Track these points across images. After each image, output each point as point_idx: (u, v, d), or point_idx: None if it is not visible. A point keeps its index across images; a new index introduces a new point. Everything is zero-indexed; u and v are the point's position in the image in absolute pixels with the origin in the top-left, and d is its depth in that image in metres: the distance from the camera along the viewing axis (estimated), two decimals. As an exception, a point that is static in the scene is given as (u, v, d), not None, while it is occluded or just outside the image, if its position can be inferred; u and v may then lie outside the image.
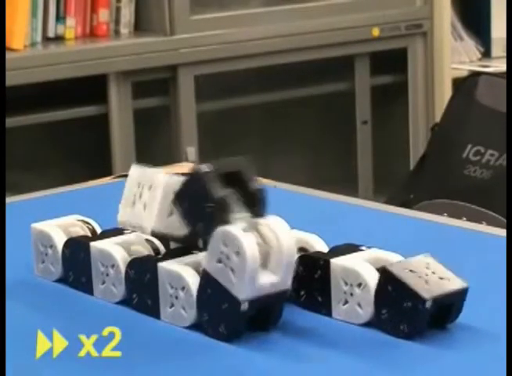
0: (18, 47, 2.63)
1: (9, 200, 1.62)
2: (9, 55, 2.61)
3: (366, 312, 1.07)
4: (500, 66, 3.32)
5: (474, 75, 2.54)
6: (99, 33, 2.78)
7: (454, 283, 1.06)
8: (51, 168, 2.84)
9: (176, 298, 1.10)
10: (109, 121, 2.72)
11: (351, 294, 1.08)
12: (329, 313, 1.10)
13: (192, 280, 1.09)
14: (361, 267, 1.09)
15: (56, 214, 1.28)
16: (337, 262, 1.11)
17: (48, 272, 1.24)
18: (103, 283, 1.18)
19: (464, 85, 2.49)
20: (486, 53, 3.45)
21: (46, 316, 1.17)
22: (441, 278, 1.06)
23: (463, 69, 3.23)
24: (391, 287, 1.05)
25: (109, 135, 2.73)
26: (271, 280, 1.03)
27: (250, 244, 1.03)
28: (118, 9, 2.79)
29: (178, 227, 1.10)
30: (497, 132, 2.34)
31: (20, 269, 1.27)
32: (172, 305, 1.11)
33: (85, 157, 2.84)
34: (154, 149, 2.69)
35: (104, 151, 2.74)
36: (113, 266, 1.16)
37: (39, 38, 2.70)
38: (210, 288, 1.07)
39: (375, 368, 1.01)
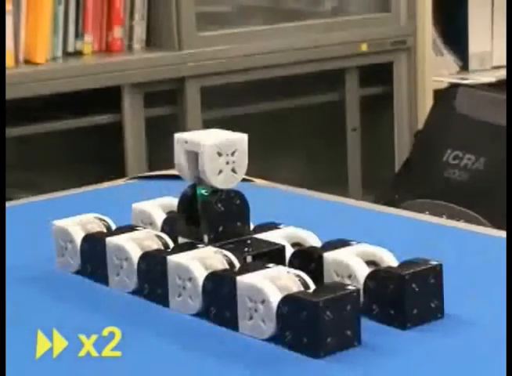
0: (41, 61, 2.63)
1: (31, 199, 1.63)
2: (32, 68, 2.61)
3: None
4: (477, 78, 3.32)
5: (453, 87, 2.55)
6: (114, 48, 2.77)
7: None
8: (70, 170, 2.84)
9: (184, 288, 1.10)
10: (123, 127, 2.72)
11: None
12: None
13: (198, 272, 1.09)
14: (351, 261, 1.10)
15: (75, 212, 1.28)
16: (329, 255, 1.11)
17: (67, 265, 1.24)
18: (118, 274, 1.18)
19: (444, 96, 2.49)
20: (464, 67, 3.45)
21: (64, 304, 1.17)
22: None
23: (443, 81, 3.23)
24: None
25: (123, 141, 2.73)
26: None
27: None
28: (131, 27, 2.79)
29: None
30: (474, 138, 2.34)
31: (43, 262, 1.27)
32: (180, 295, 1.11)
33: (101, 160, 2.84)
34: (164, 153, 2.69)
35: (118, 155, 2.74)
36: (126, 259, 1.16)
37: (60, 53, 2.70)
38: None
39: (368, 352, 1.01)
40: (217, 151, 1.13)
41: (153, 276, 1.14)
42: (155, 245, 1.17)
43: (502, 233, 1.38)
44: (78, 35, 2.74)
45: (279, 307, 1.01)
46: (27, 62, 2.64)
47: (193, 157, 1.15)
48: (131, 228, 1.22)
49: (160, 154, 2.66)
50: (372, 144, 3.18)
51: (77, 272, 1.23)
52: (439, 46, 3.41)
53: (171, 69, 2.76)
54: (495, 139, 2.31)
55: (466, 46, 3.45)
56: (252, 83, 2.95)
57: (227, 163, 1.13)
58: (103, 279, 1.19)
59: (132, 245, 1.17)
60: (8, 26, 2.58)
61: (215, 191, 1.15)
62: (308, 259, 1.13)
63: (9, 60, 2.59)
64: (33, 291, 1.20)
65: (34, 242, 1.35)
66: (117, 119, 2.73)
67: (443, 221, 1.53)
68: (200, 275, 1.09)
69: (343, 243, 1.14)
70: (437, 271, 1.07)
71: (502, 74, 3.41)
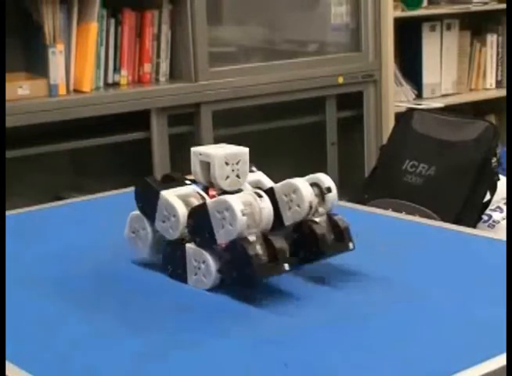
0: (86, 90, 2.63)
1: (82, 198, 1.63)
2: (79, 95, 2.60)
3: (303, 209, 1.10)
4: (429, 104, 3.32)
5: (410, 110, 2.54)
6: (144, 80, 2.78)
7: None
8: (110, 176, 2.84)
9: (199, 269, 1.10)
10: (151, 142, 2.72)
11: (291, 201, 1.11)
12: (281, 223, 1.12)
13: (211, 257, 1.10)
14: (295, 180, 1.12)
15: (114, 209, 1.28)
16: (277, 184, 1.14)
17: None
18: (164, 221, 1.16)
19: (403, 118, 2.49)
20: (419, 95, 3.45)
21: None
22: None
23: (403, 106, 3.24)
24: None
25: (151, 153, 2.73)
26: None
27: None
28: (158, 63, 2.79)
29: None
30: (427, 151, 2.34)
31: (92, 247, 1.27)
32: (196, 274, 1.11)
33: (134, 168, 2.84)
34: (183, 163, 2.68)
35: (147, 164, 2.74)
36: (174, 216, 1.14)
37: (101, 84, 2.70)
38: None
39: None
40: (225, 161, 1.14)
41: (174, 260, 1.14)
42: (196, 202, 1.16)
43: (448, 225, 1.38)
44: (116, 70, 2.74)
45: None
46: (76, 91, 2.64)
47: (206, 165, 1.15)
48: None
49: (180, 163, 2.66)
50: (347, 155, 3.18)
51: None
52: (399, 78, 3.41)
53: (189, 96, 2.76)
54: (443, 152, 2.31)
55: (421, 78, 3.45)
56: (253, 107, 2.95)
57: (232, 170, 1.14)
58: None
59: (179, 202, 1.15)
60: (60, 62, 2.58)
61: (224, 192, 1.15)
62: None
63: (62, 89, 2.59)
64: (82, 269, 1.20)
65: (83, 232, 1.35)
66: (147, 136, 2.73)
67: (402, 216, 1.53)
68: (212, 259, 1.10)
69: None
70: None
71: (449, 100, 3.42)
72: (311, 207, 1.10)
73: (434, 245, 1.27)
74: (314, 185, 1.13)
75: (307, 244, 1.12)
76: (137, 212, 1.21)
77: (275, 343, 0.95)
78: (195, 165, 1.17)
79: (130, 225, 1.22)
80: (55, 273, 1.18)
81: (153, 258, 1.18)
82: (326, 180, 1.15)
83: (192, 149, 1.18)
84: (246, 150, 1.17)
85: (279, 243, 1.05)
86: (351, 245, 1.12)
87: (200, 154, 1.16)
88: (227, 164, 1.14)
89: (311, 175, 1.17)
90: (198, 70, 2.76)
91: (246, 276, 1.05)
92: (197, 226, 1.09)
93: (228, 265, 1.07)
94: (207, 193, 1.17)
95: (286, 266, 1.05)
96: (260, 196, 1.07)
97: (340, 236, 1.12)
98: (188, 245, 1.12)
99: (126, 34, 2.72)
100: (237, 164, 1.15)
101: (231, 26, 3.08)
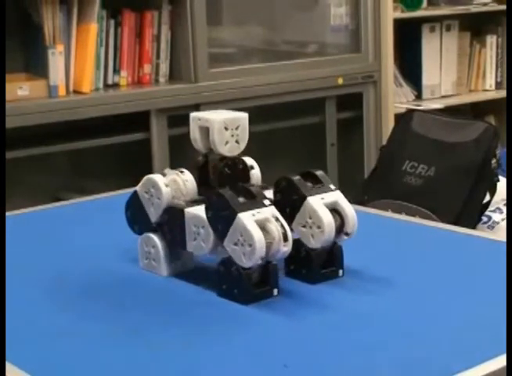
0: (86, 91, 2.63)
1: (83, 199, 1.63)
2: (79, 96, 2.61)
3: (315, 243, 1.09)
4: (428, 105, 3.33)
5: (410, 111, 2.54)
6: (144, 81, 2.78)
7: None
8: (110, 176, 2.84)
9: (198, 234, 1.10)
10: (151, 143, 2.73)
11: (310, 228, 1.09)
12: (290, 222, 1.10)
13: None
14: (324, 215, 1.09)
15: (114, 209, 1.28)
16: (309, 201, 1.11)
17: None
18: (153, 204, 1.16)
19: (403, 119, 2.49)
20: (418, 96, 3.46)
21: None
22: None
23: (402, 107, 3.24)
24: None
25: (151, 154, 2.73)
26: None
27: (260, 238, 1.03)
28: (158, 64, 2.80)
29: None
30: (426, 152, 2.33)
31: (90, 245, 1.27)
32: (195, 239, 1.11)
33: (134, 169, 2.84)
34: (183, 164, 2.68)
35: (147, 165, 2.74)
36: (153, 187, 1.16)
37: (101, 85, 2.70)
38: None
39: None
40: (224, 126, 1.14)
41: (174, 226, 1.13)
42: (179, 179, 1.17)
43: (448, 226, 1.38)
44: (116, 71, 2.74)
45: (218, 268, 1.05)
46: (76, 92, 2.64)
47: (205, 131, 1.16)
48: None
49: (180, 165, 2.66)
50: (346, 156, 3.18)
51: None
52: (399, 79, 3.42)
53: (188, 97, 2.76)
54: (442, 153, 2.31)
55: (420, 79, 3.46)
56: (252, 108, 2.95)
57: (232, 135, 1.15)
58: (143, 210, 1.17)
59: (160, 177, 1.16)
60: (60, 63, 2.58)
61: (223, 158, 1.16)
62: (291, 192, 1.13)
63: (61, 90, 2.59)
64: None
65: (84, 231, 1.35)
66: (147, 137, 2.74)
67: (402, 217, 1.54)
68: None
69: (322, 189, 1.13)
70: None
71: (448, 101, 3.42)
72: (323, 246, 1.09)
73: (433, 246, 1.27)
74: (335, 212, 1.10)
75: (300, 262, 1.11)
76: (142, 236, 1.20)
77: (275, 343, 0.95)
78: (194, 131, 1.17)
79: (141, 251, 1.20)
80: (55, 274, 1.19)
81: (170, 273, 1.17)
82: (352, 222, 1.10)
83: (192, 114, 1.18)
84: (246, 115, 1.17)
85: (274, 268, 1.06)
86: (340, 272, 1.13)
87: (199, 119, 1.16)
88: (226, 129, 1.14)
89: (340, 201, 1.11)
90: (198, 71, 2.76)
91: (234, 293, 1.05)
92: (215, 211, 1.07)
93: (221, 276, 1.06)
94: (207, 160, 1.16)
95: (275, 292, 1.05)
96: (286, 238, 1.04)
97: (332, 262, 1.12)
98: (187, 210, 1.10)
99: (126, 34, 2.72)
100: (236, 129, 1.15)
101: (231, 27, 3.09)
